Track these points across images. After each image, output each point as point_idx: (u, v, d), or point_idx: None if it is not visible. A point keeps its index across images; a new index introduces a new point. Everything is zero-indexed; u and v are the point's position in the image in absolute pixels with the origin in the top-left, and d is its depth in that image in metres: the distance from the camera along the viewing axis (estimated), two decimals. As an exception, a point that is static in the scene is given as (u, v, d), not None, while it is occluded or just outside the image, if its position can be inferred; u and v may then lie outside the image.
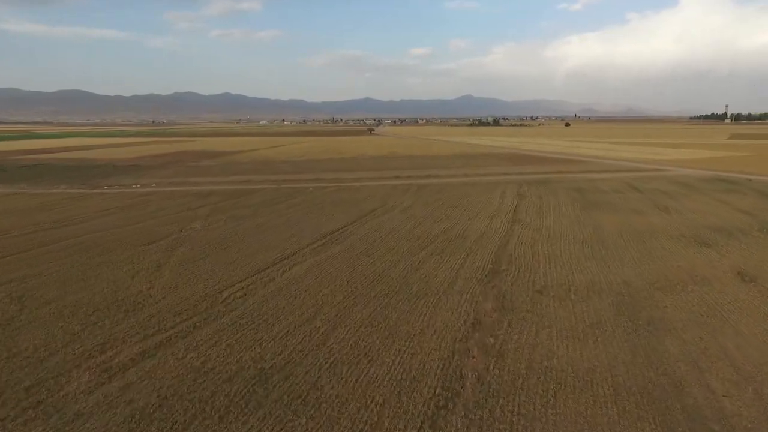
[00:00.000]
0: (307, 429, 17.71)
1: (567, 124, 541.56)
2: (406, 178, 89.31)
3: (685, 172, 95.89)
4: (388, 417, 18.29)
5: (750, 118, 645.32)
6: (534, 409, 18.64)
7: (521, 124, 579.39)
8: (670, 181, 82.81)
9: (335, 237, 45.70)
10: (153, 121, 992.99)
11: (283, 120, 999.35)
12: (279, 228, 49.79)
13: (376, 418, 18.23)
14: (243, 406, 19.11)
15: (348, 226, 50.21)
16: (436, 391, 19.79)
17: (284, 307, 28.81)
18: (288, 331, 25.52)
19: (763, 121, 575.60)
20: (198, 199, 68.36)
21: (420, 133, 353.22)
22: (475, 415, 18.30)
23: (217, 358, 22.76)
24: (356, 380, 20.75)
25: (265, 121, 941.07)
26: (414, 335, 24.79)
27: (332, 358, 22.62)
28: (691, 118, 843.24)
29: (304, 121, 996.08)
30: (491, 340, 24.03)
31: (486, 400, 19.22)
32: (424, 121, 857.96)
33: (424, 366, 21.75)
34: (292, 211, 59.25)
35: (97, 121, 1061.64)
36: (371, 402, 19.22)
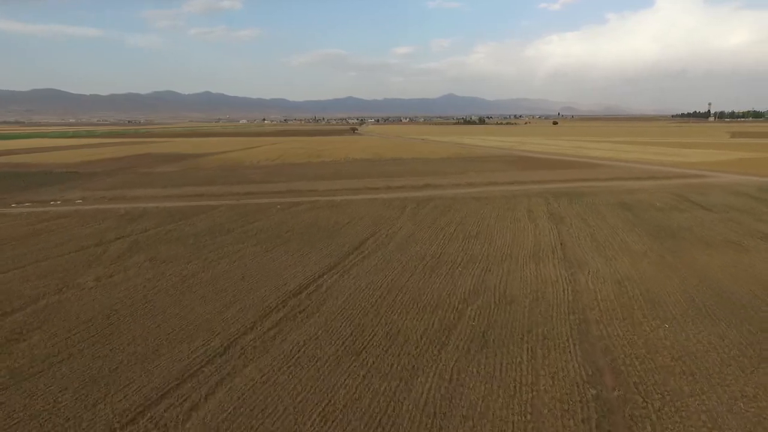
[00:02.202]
0: None
1: (555, 123, 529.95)
2: (399, 190, 72.21)
3: (730, 178, 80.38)
4: None
5: (733, 116, 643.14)
6: None
7: (508, 123, 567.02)
8: (726, 191, 66.99)
9: (302, 303, 28.38)
10: (129, 121, 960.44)
11: (264, 119, 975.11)
12: (216, 282, 32.27)
13: None
14: None
15: (323, 277, 32.95)
16: None
17: None
18: None
19: (746, 120, 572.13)
20: (122, 226, 50.41)
21: (405, 132, 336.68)
22: None
23: None
24: None
25: (245, 121, 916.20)
26: None
27: None
28: (673, 116, 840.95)
29: (285, 120, 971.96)
30: None
31: None
32: (408, 120, 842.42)
33: None
34: (246, 245, 41.72)
35: (72, 120, 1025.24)
36: None
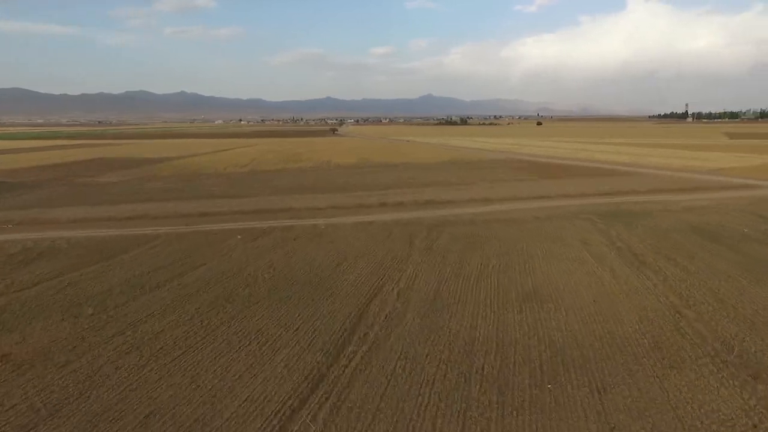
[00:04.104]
0: None
1: (539, 123, 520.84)
2: (399, 208, 56.88)
3: (790, 189, 67.04)
4: None
5: (710, 117, 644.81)
6: None
7: (491, 124, 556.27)
8: (808, 209, 53.29)
9: None
10: (99, 122, 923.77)
11: (240, 120, 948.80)
12: (90, 436, 16.44)
13: None
14: None
15: (299, 413, 17.36)
16: None
17: None
18: None
19: (723, 120, 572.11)
20: (2, 275, 33.98)
21: (387, 133, 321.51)
22: None
23: None
24: None
25: (221, 121, 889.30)
26: None
27: None
28: (650, 116, 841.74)
29: (262, 120, 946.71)
30: None
31: None
32: (388, 120, 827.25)
33: None
34: (176, 319, 25.80)
35: (40, 121, 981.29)
36: None
